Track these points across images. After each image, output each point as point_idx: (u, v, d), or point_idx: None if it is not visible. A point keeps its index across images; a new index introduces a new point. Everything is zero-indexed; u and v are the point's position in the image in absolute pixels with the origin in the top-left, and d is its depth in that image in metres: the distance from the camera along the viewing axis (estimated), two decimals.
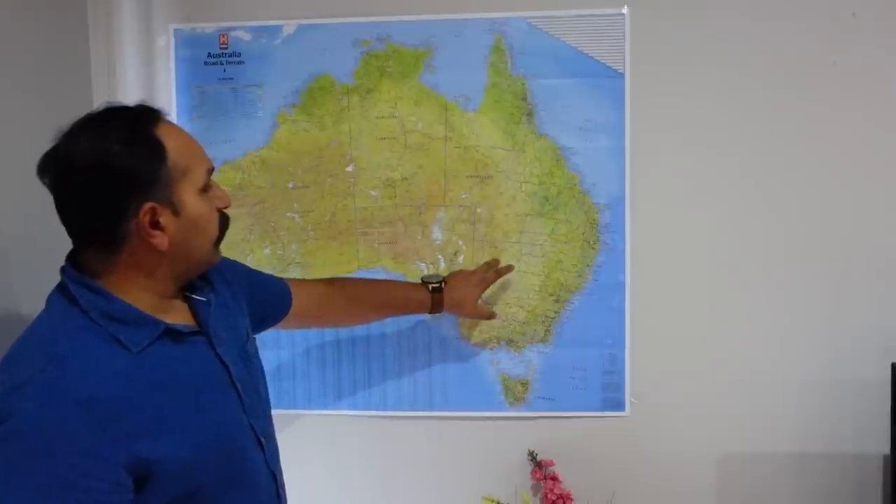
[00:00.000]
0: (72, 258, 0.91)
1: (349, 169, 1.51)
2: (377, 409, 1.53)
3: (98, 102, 1.47)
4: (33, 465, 0.77)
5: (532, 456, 1.49)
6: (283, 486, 1.07)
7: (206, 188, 0.93)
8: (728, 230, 1.46)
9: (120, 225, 0.86)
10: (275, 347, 1.52)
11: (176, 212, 0.89)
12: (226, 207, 0.98)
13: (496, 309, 1.49)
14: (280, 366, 1.53)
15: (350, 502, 1.55)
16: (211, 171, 0.95)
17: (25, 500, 0.77)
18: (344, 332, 1.52)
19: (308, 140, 1.51)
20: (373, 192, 1.51)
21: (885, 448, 1.41)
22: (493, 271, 1.45)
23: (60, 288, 0.90)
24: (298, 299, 1.25)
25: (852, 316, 1.45)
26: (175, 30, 1.51)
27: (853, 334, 1.45)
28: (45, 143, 0.88)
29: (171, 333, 0.91)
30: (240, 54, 1.50)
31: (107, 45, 1.50)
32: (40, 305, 0.91)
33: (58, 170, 0.86)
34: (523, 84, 1.47)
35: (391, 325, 1.51)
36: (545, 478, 1.48)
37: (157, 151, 0.87)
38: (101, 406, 0.81)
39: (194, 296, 0.98)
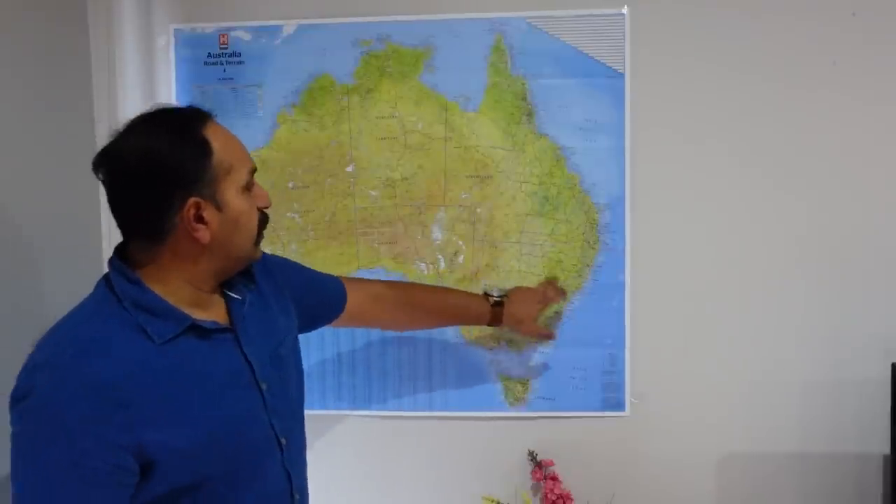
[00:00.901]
0: (120, 249, 0.96)
1: (349, 169, 1.51)
2: (377, 410, 1.53)
3: (98, 102, 1.48)
4: (46, 442, 0.82)
5: (532, 456, 1.49)
6: (302, 489, 1.07)
7: (248, 187, 0.97)
8: (728, 230, 1.46)
9: (166, 217, 0.90)
10: None
11: (219, 207, 0.93)
12: (266, 207, 1.01)
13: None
14: None
15: (350, 502, 1.55)
16: (254, 171, 0.98)
17: (35, 474, 0.83)
18: (344, 332, 1.52)
19: (308, 140, 1.51)
20: (373, 192, 1.51)
21: (886, 448, 1.41)
22: (553, 288, 1.45)
23: (106, 276, 0.95)
24: (352, 299, 1.26)
25: (853, 316, 1.45)
26: (175, 30, 1.51)
27: (854, 335, 1.45)
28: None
29: (197, 329, 0.94)
30: (240, 54, 1.51)
31: (107, 45, 1.50)
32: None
33: (111, 166, 0.91)
34: (523, 84, 1.47)
35: None
36: (545, 478, 1.48)
37: (203, 150, 0.91)
38: (112, 391, 0.84)
39: (231, 293, 1.01)
